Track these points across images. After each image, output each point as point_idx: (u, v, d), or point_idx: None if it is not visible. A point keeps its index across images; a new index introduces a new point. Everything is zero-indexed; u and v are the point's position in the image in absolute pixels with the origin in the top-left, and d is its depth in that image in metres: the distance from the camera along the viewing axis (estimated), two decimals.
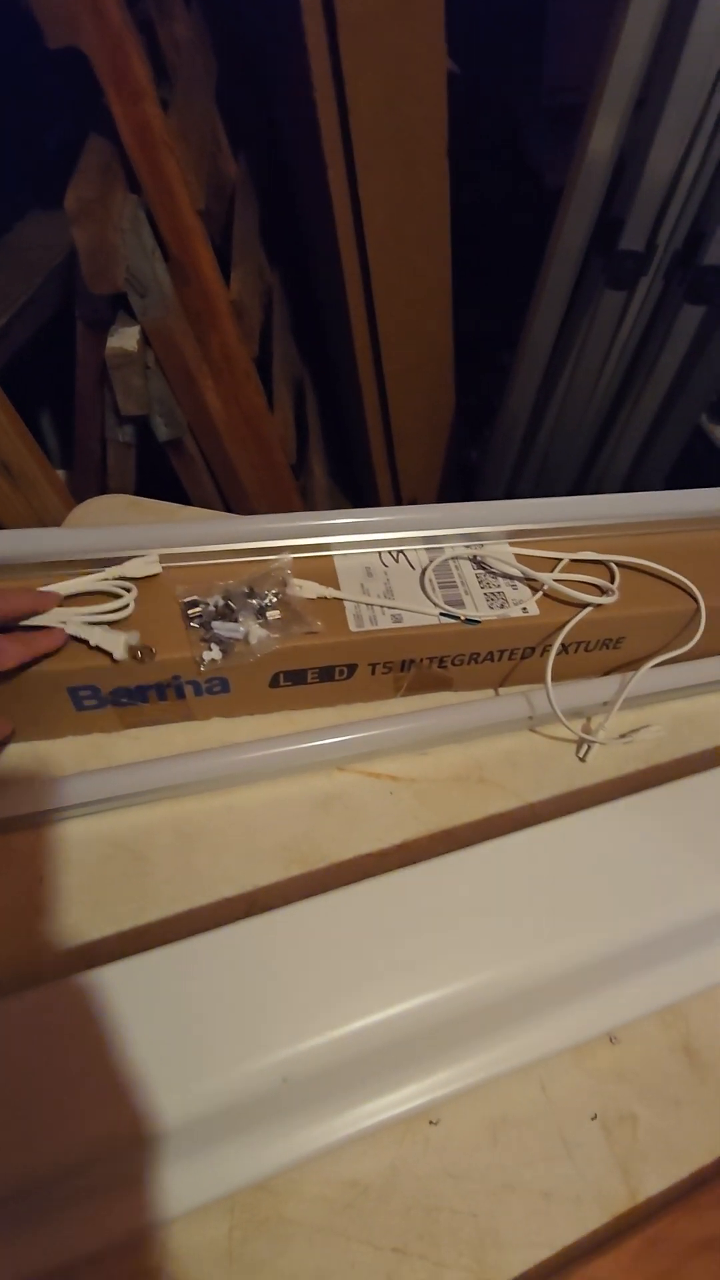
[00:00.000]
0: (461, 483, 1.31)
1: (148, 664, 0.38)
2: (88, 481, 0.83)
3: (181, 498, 0.88)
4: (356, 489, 1.35)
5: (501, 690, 0.48)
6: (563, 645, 0.44)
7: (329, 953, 0.30)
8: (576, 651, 0.47)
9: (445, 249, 0.94)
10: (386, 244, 0.88)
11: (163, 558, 0.42)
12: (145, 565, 0.41)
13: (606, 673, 0.48)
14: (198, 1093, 0.27)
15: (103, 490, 0.85)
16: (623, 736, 0.46)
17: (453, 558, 0.46)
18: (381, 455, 1.19)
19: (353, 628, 0.42)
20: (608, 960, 0.34)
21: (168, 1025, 0.28)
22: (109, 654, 0.38)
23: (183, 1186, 0.29)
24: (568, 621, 0.44)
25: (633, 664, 0.47)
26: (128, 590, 0.40)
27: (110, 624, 0.39)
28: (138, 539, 0.42)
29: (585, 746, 0.46)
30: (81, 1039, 0.27)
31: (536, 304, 0.92)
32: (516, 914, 0.33)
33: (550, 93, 1.20)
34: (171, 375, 0.73)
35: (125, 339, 0.68)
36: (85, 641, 0.38)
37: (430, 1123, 0.32)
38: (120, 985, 0.29)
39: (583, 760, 0.46)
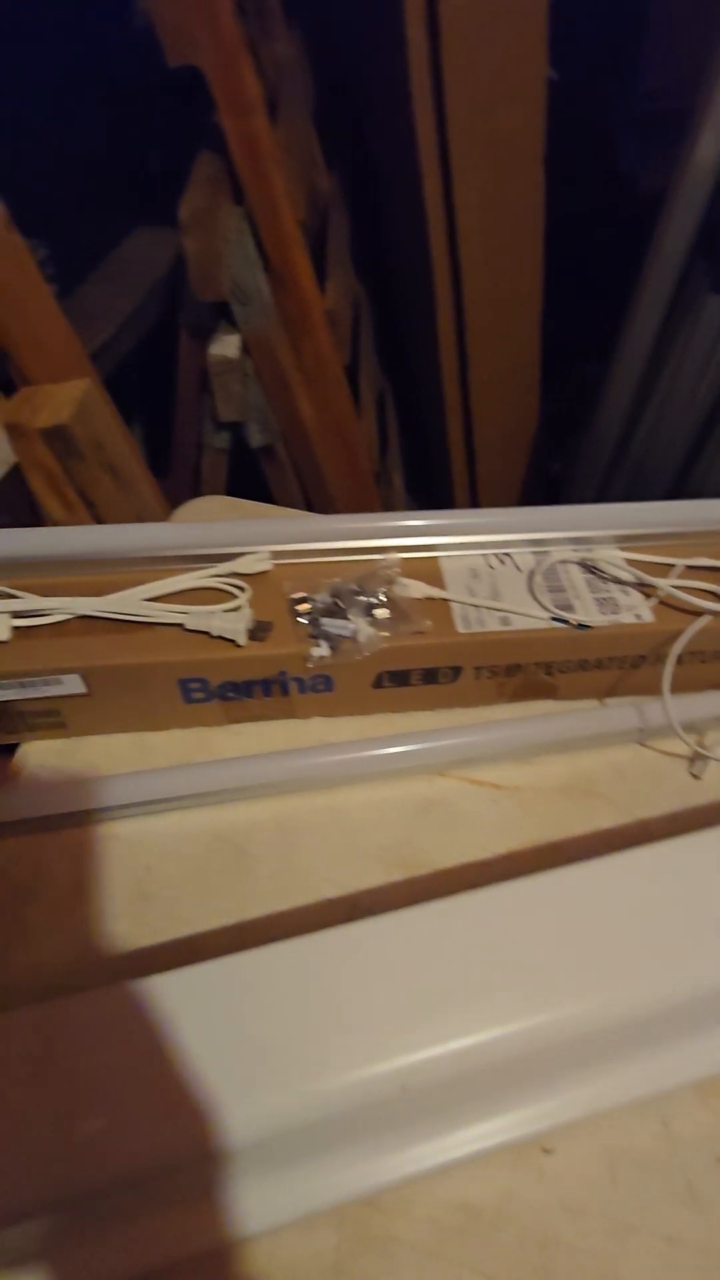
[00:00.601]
0: (542, 495, 1.28)
1: (267, 640, 0.38)
2: (182, 487, 0.85)
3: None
4: (434, 503, 1.34)
5: (608, 701, 0.46)
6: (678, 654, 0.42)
7: (443, 962, 0.29)
8: (691, 662, 0.44)
9: (537, 255, 0.93)
10: (478, 251, 0.88)
11: (271, 554, 0.42)
12: (256, 562, 0.42)
13: None
14: (312, 1095, 0.26)
15: (196, 496, 0.87)
16: None
17: (561, 561, 0.45)
18: (461, 467, 1.18)
19: (460, 629, 0.41)
20: None
21: (282, 1023, 0.27)
22: (233, 641, 0.38)
23: (291, 1194, 0.28)
24: (684, 629, 0.42)
25: None
26: (241, 590, 0.41)
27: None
28: (247, 535, 0.43)
29: (700, 763, 0.43)
30: (191, 1032, 0.27)
31: (633, 311, 0.89)
32: (637, 935, 0.31)
33: (646, 97, 1.17)
34: (267, 382, 0.75)
35: (226, 346, 0.70)
36: (206, 633, 0.38)
37: (544, 1150, 0.31)
38: (232, 979, 0.28)
39: (697, 777, 0.43)
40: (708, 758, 0.43)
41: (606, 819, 0.41)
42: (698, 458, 0.98)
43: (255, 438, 0.77)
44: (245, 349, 0.71)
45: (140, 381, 0.90)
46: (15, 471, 0.51)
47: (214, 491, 0.83)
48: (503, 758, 0.43)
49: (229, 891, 0.37)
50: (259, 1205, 0.28)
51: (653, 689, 0.41)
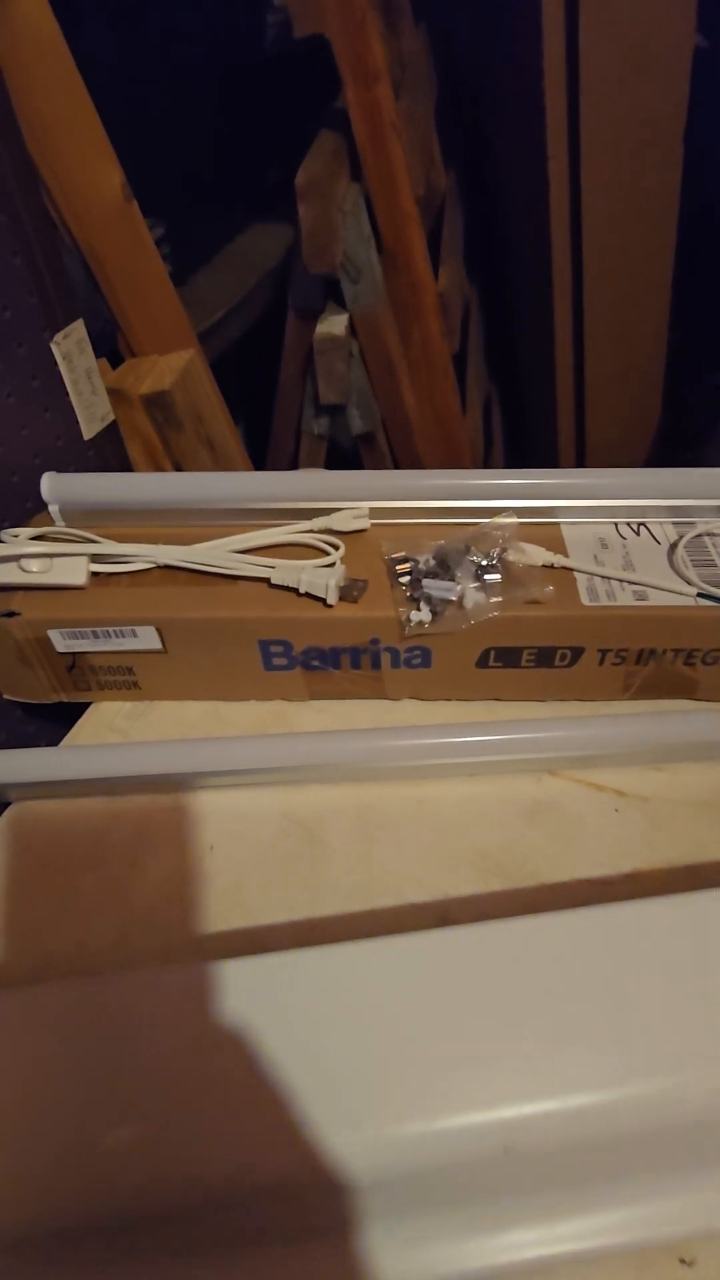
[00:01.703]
0: None
1: (360, 602, 0.34)
2: None
3: None
4: None
5: None
6: None
7: (567, 991, 0.23)
8: None
9: (669, 243, 0.86)
10: (604, 236, 0.82)
11: (369, 513, 0.38)
12: (353, 519, 0.37)
13: None
14: (388, 1142, 0.21)
15: None
16: None
17: (709, 533, 0.38)
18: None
19: (585, 601, 0.35)
20: None
21: (356, 1043, 0.22)
22: (322, 600, 0.34)
23: (354, 1269, 0.22)
24: None
25: None
26: (335, 547, 0.36)
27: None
28: (344, 489, 0.38)
29: None
30: (248, 1033, 0.22)
31: None
32: None
33: None
34: (372, 366, 0.72)
35: (334, 325, 0.67)
36: (293, 590, 0.34)
37: (682, 1261, 0.23)
38: (302, 978, 0.23)
39: None
40: None
41: None
42: None
43: (355, 423, 0.74)
44: (352, 329, 0.68)
45: (243, 374, 0.89)
46: (114, 436, 0.50)
47: None
48: (629, 760, 0.36)
49: (299, 882, 0.32)
50: (308, 1273, 0.22)
51: None
